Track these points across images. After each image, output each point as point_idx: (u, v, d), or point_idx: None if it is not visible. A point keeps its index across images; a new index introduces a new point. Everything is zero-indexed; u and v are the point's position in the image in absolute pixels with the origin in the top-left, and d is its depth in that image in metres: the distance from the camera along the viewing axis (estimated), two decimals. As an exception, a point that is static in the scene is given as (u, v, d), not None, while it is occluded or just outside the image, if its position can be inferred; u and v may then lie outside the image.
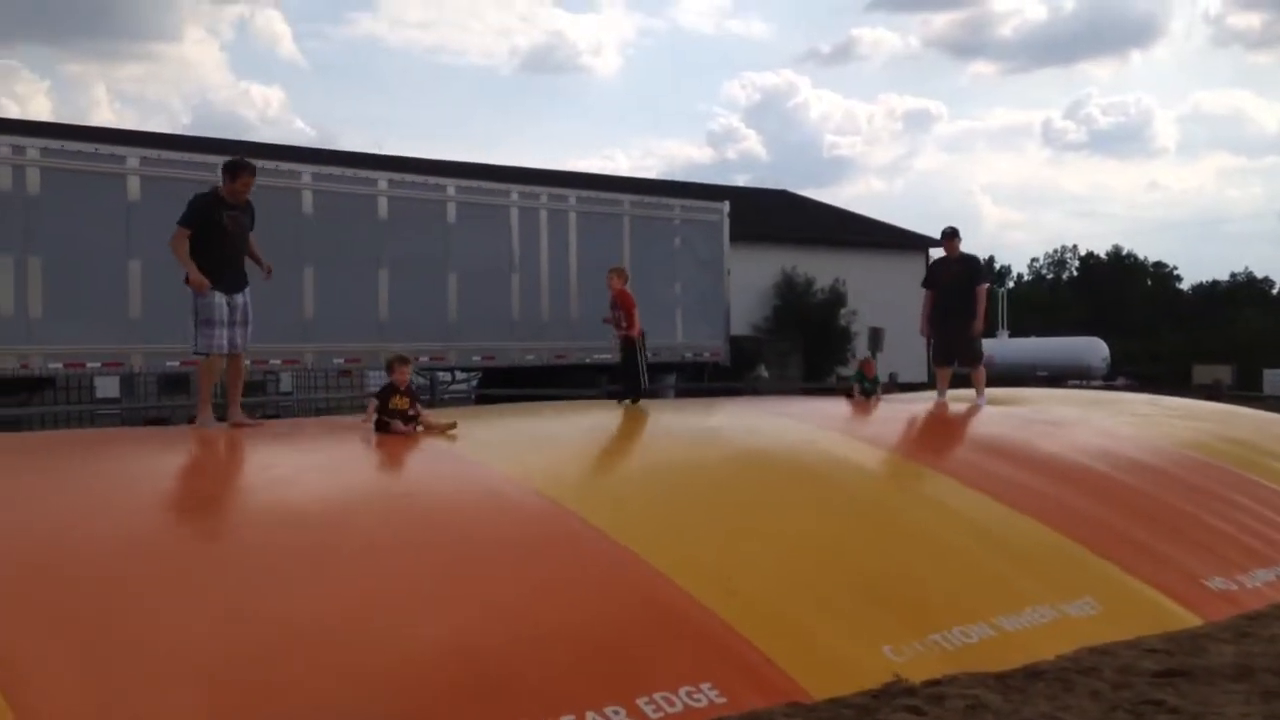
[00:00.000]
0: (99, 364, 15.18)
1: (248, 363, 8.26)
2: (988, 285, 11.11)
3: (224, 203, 7.52)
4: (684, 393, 20.25)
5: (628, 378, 9.28)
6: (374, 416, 7.19)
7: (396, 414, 7.12)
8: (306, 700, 3.78)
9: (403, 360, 7.30)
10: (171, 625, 4.07)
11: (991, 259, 79.47)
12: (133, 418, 15.67)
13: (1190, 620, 5.70)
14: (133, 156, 15.65)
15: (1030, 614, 5.39)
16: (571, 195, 20.28)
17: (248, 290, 7.72)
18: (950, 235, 10.93)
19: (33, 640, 3.86)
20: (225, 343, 7.50)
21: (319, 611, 4.30)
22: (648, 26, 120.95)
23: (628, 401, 9.19)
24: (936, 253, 31.74)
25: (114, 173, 15.28)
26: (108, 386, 16.35)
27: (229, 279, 7.51)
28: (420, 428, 7.19)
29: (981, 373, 10.95)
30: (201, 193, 7.63)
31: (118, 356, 15.20)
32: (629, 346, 9.29)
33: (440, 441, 7.01)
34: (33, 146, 14.94)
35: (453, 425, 7.20)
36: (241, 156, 8.20)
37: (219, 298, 7.43)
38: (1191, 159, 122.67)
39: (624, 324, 9.23)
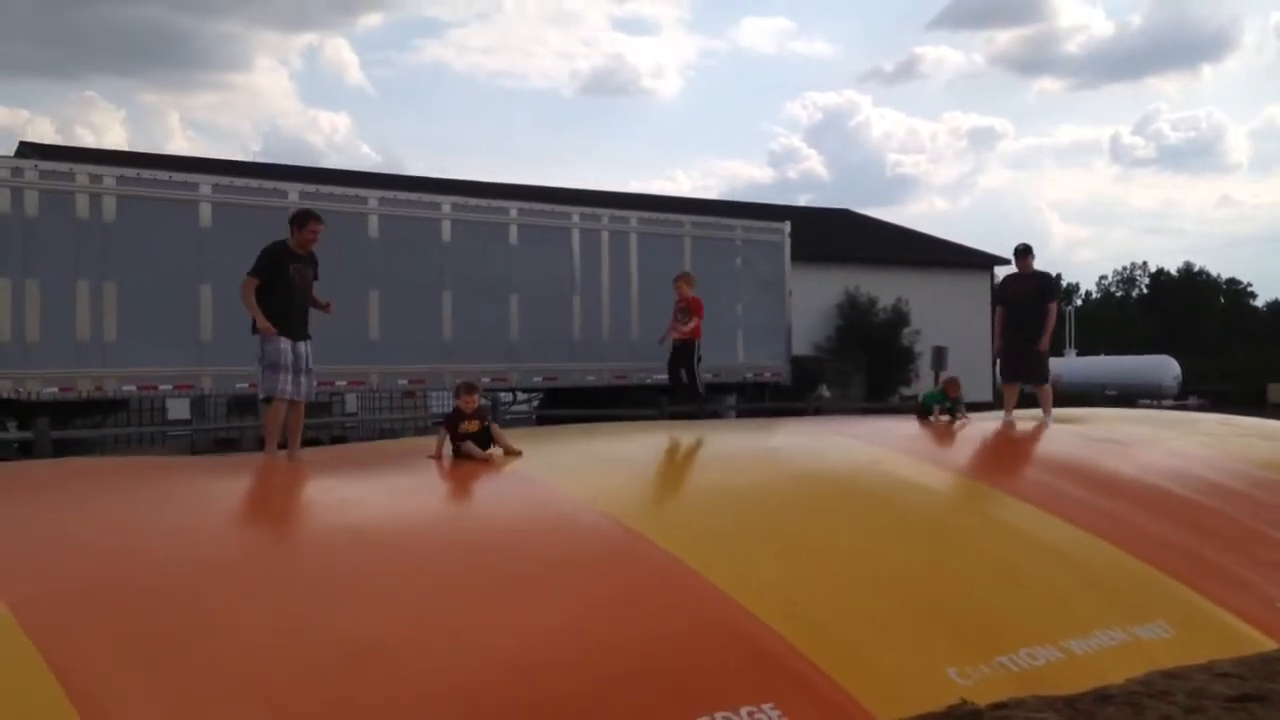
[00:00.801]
0: (170, 386, 15.53)
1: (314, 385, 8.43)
2: (1057, 303, 10.97)
3: (292, 255, 7.78)
4: (745, 413, 20.19)
5: (682, 384, 9.08)
6: (443, 444, 7.16)
7: (468, 437, 7.10)
8: (372, 718, 3.83)
9: (469, 388, 7.25)
10: (238, 643, 4.14)
11: (1059, 276, 78.40)
12: (202, 439, 16.00)
13: (1265, 644, 5.56)
14: (205, 184, 16.05)
15: (1100, 637, 5.29)
16: (633, 216, 20.38)
17: (309, 343, 7.95)
18: (1023, 253, 10.85)
19: (103, 656, 3.95)
20: (290, 387, 7.70)
21: (384, 630, 4.35)
22: (709, 48, 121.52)
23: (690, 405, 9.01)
24: (1002, 271, 31.43)
25: (187, 200, 15.68)
26: (179, 408, 16.73)
27: (293, 329, 7.75)
28: (494, 450, 7.14)
29: (1048, 391, 10.83)
30: (272, 244, 7.87)
31: (189, 378, 15.55)
32: (686, 349, 9.12)
33: (504, 462, 7.04)
34: (109, 175, 15.38)
35: (518, 454, 7.17)
36: (308, 209, 8.45)
37: (285, 343, 7.68)
38: (1265, 174, 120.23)
39: (685, 327, 9.05)
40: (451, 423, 7.18)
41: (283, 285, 7.71)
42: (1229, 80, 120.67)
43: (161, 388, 15.51)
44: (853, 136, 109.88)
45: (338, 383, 16.57)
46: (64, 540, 5.13)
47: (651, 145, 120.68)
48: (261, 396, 8.07)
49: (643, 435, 8.86)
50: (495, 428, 7.27)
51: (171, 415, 16.69)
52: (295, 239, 7.84)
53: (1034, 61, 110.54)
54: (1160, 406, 32.10)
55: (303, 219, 7.89)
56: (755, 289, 21.16)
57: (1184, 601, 5.89)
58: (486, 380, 17.56)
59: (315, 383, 8.10)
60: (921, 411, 10.36)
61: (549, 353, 18.71)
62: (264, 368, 7.75)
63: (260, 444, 8.23)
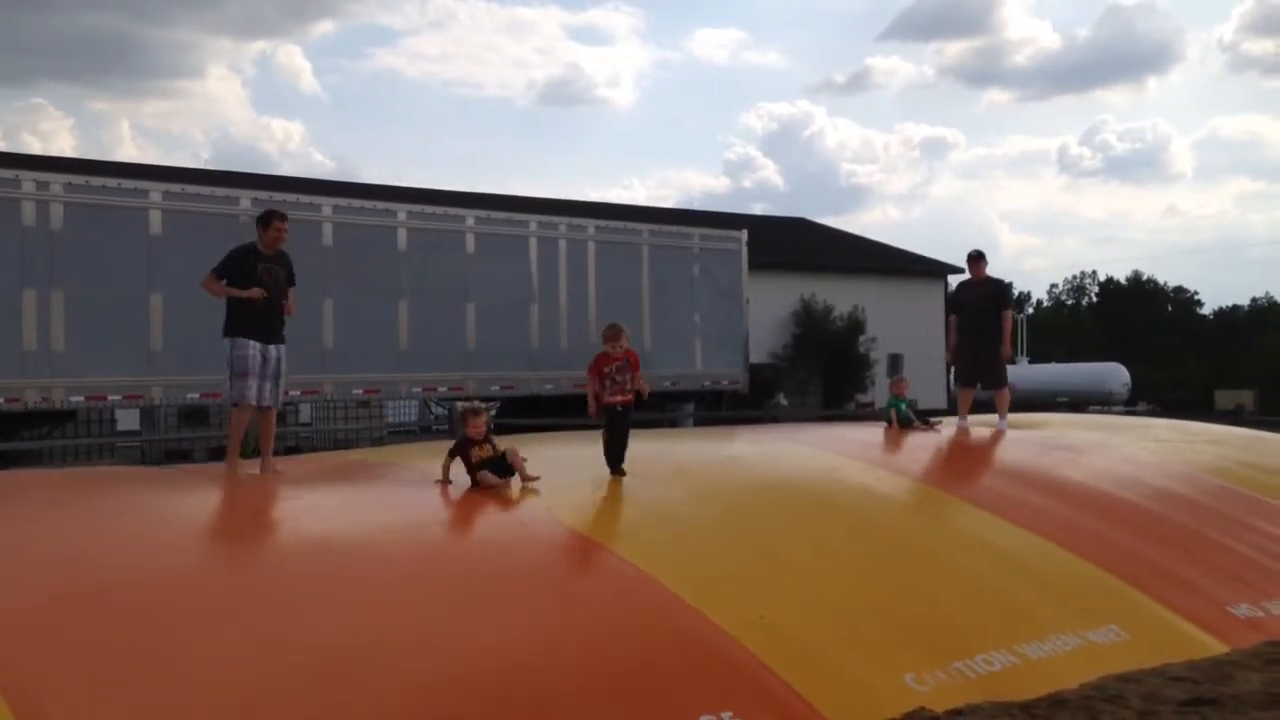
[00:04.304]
0: (119, 396, 15.27)
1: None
2: (1012, 311, 11.07)
3: (260, 255, 7.67)
4: (703, 421, 20.22)
5: (619, 446, 7.37)
6: (448, 473, 6.64)
7: (484, 464, 6.55)
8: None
9: (474, 412, 6.71)
10: (202, 656, 4.08)
11: (1010, 285, 79.14)
12: (152, 450, 15.75)
13: (1216, 647, 5.63)
14: (155, 191, 15.80)
15: (1055, 642, 5.34)
16: (590, 225, 20.35)
17: (283, 347, 7.78)
18: (976, 258, 10.88)
19: (62, 671, 3.87)
20: (255, 394, 7.54)
21: (348, 640, 4.30)
22: (663, 59, 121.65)
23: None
24: (955, 279, 31.75)
25: (136, 207, 15.43)
26: (128, 419, 16.44)
27: (265, 331, 7.60)
28: (515, 477, 6.57)
29: (1005, 395, 10.92)
30: (238, 246, 7.80)
31: (138, 389, 15.29)
32: (628, 412, 7.41)
33: (519, 491, 6.53)
34: (56, 182, 15.11)
35: (537, 478, 6.59)
36: (273, 209, 8.35)
37: (253, 349, 7.52)
38: (1210, 184, 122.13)
39: (630, 386, 7.31)
40: (461, 450, 6.64)
41: (252, 285, 7.56)
42: (1173, 92, 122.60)
43: (110, 398, 15.24)
44: (807, 146, 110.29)
45: (291, 392, 16.35)
46: (17, 553, 5.02)
47: (607, 154, 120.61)
48: (229, 404, 7.82)
49: (600, 445, 8.80)
50: (514, 454, 6.61)
51: (121, 426, 16.40)
52: (263, 239, 7.76)
53: (983, 73, 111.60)
54: (1111, 412, 32.53)
55: (267, 218, 7.83)
56: (713, 297, 21.21)
57: (1137, 606, 5.96)
58: (444, 389, 17.49)
59: (284, 387, 7.91)
60: (886, 419, 10.37)
61: (506, 361, 18.62)
62: (231, 375, 7.58)
63: (213, 454, 8.08)
